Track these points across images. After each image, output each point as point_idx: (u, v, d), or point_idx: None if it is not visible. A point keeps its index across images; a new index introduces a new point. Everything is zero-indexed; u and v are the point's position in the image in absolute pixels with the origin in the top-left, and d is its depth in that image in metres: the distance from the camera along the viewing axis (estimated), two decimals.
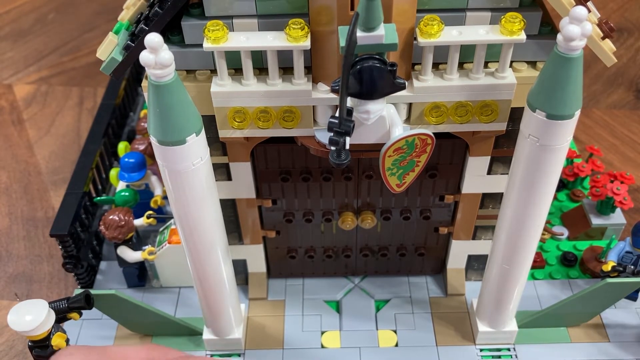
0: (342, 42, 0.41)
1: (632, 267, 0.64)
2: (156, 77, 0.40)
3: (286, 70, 0.50)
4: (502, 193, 0.53)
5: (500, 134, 0.53)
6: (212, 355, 0.64)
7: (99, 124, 0.82)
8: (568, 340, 0.64)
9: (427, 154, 0.48)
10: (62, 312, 0.58)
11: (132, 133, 0.88)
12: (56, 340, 0.57)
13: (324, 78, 0.49)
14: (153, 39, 0.39)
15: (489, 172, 0.58)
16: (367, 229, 0.64)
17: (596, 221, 0.74)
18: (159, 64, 0.39)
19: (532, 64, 0.51)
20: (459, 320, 0.66)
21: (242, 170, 0.57)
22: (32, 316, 0.54)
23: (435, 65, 0.49)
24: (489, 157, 0.57)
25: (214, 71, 0.50)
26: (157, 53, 0.39)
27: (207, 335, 0.63)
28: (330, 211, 0.63)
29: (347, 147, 0.45)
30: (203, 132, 0.45)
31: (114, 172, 0.76)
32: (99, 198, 0.74)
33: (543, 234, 0.73)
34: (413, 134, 0.46)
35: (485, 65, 0.49)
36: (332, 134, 0.44)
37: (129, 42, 0.48)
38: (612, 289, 0.60)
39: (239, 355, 0.64)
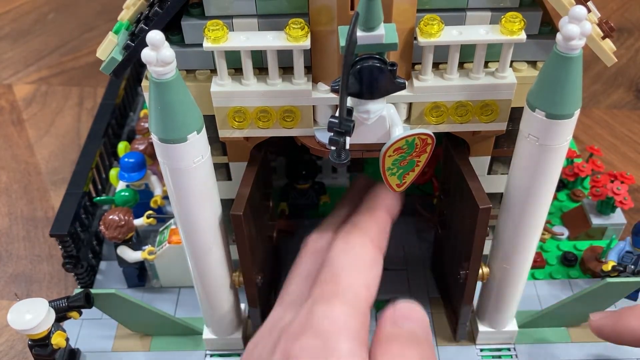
0: (342, 42, 0.41)
1: (632, 266, 0.65)
2: (157, 75, 0.40)
3: (286, 70, 0.50)
4: (502, 193, 0.54)
5: (500, 133, 0.53)
6: (211, 356, 0.65)
7: (99, 124, 0.82)
8: (568, 340, 0.64)
9: (427, 153, 0.48)
10: (62, 311, 0.58)
11: (132, 133, 0.88)
12: (56, 339, 0.57)
13: (324, 78, 0.49)
14: (154, 36, 0.39)
15: (489, 172, 0.58)
16: None
17: (596, 221, 0.74)
18: (161, 61, 0.39)
19: (532, 63, 0.51)
20: None
21: (242, 170, 0.57)
22: (32, 315, 0.54)
23: (436, 65, 0.49)
24: (489, 157, 0.57)
25: (213, 71, 0.50)
26: (158, 50, 0.39)
27: (207, 335, 0.63)
28: None
29: (347, 147, 0.45)
30: (204, 130, 0.45)
31: (113, 172, 0.76)
32: (98, 198, 0.74)
33: (543, 234, 0.73)
34: (413, 133, 0.46)
35: (486, 65, 0.49)
36: (332, 133, 0.44)
37: (128, 41, 0.48)
38: (612, 288, 0.60)
39: (238, 355, 0.64)
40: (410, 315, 0.47)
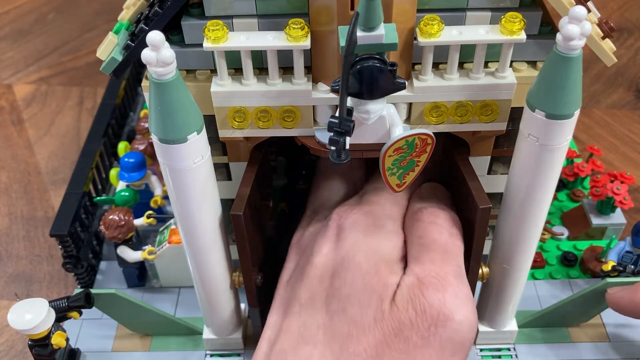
0: (342, 42, 0.41)
1: (632, 266, 0.65)
2: (158, 75, 0.40)
3: (286, 70, 0.50)
4: (502, 193, 0.54)
5: (500, 133, 0.53)
6: (211, 356, 0.65)
7: (99, 124, 0.82)
8: (568, 340, 0.65)
9: (427, 153, 0.48)
10: (63, 311, 0.58)
11: (132, 133, 0.89)
12: (56, 339, 0.57)
13: (324, 78, 0.49)
14: (155, 36, 0.38)
15: (489, 172, 0.58)
16: None
17: (596, 221, 0.74)
18: (161, 61, 0.39)
19: (532, 63, 0.51)
20: None
21: (242, 170, 0.57)
22: (32, 315, 0.54)
23: (435, 65, 0.49)
24: (489, 157, 0.57)
25: (214, 71, 0.50)
26: (158, 51, 0.39)
27: (207, 335, 0.63)
28: None
29: (347, 147, 0.45)
30: (204, 130, 0.45)
31: (113, 172, 0.76)
32: (98, 198, 0.74)
33: (543, 234, 0.73)
34: (413, 133, 0.46)
35: (485, 65, 0.49)
36: (332, 133, 0.44)
37: (128, 41, 0.48)
38: None
39: (238, 355, 0.64)
40: (434, 190, 0.57)
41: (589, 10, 0.48)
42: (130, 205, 0.70)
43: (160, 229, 0.70)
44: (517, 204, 0.51)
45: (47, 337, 0.56)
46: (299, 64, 0.48)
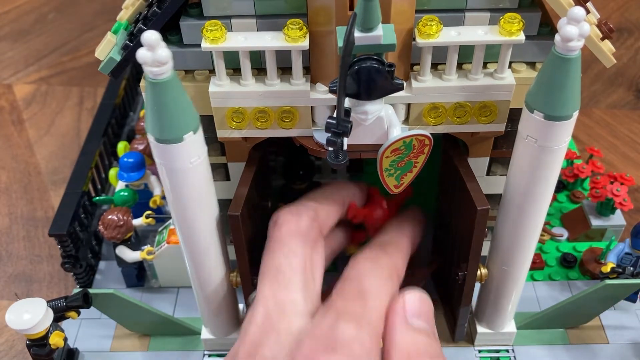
0: (340, 43, 0.41)
1: (631, 268, 0.64)
2: (153, 75, 0.40)
3: (285, 70, 0.50)
4: (501, 194, 0.53)
5: (499, 134, 0.53)
6: (210, 356, 0.64)
7: (98, 123, 0.82)
8: (567, 342, 0.64)
9: (425, 154, 0.48)
10: (61, 311, 0.58)
11: (132, 133, 0.89)
12: (54, 339, 0.57)
13: (322, 78, 0.49)
14: (150, 36, 0.38)
15: (487, 173, 0.58)
16: None
17: (596, 222, 0.74)
18: (156, 61, 0.39)
19: (531, 64, 0.50)
20: None
21: (241, 171, 0.57)
22: (30, 315, 0.54)
23: (434, 66, 0.49)
24: (488, 158, 0.57)
25: (212, 71, 0.50)
26: (154, 50, 0.39)
27: (205, 335, 0.63)
28: None
29: (345, 147, 0.45)
30: (201, 130, 0.45)
31: (113, 172, 0.76)
32: (98, 198, 0.74)
33: (542, 235, 0.73)
34: (411, 134, 0.46)
35: (484, 66, 0.49)
36: (329, 134, 0.44)
37: (127, 41, 0.48)
38: (611, 290, 0.60)
39: None
40: (420, 310, 0.47)
41: (588, 11, 0.48)
42: (129, 205, 0.70)
43: (159, 229, 0.70)
44: (516, 206, 0.51)
45: (45, 336, 0.56)
46: (297, 64, 0.48)
